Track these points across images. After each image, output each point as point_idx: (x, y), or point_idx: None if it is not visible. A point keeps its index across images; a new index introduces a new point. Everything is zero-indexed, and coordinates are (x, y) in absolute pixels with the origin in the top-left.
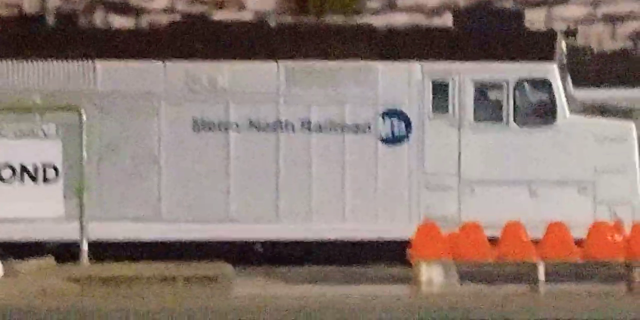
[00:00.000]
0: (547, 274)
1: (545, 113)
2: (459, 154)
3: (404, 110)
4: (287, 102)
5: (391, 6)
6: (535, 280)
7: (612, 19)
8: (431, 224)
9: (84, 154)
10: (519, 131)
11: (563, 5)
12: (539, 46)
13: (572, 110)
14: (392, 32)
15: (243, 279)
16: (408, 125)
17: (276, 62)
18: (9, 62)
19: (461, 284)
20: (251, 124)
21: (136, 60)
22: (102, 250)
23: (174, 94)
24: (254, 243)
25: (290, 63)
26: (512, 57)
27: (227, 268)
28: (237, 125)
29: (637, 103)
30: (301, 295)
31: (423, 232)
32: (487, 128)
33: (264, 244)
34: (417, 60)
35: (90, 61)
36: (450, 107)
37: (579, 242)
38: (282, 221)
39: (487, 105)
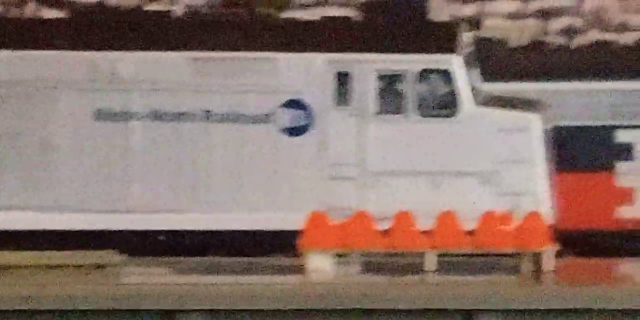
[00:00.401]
0: (438, 264)
1: (448, 104)
2: (362, 145)
3: (306, 100)
4: (189, 92)
5: (322, 1)
6: (425, 270)
7: (543, 14)
8: (321, 214)
9: None
10: (422, 122)
11: (494, 1)
12: (442, 37)
13: (476, 102)
14: (294, 24)
15: (133, 267)
16: (310, 115)
17: (179, 52)
18: None
19: (359, 274)
20: (153, 114)
21: (37, 50)
22: (1, 240)
23: (75, 83)
24: (156, 233)
25: (193, 53)
26: (414, 49)
27: (116, 257)
28: (139, 115)
29: (550, 96)
30: (185, 284)
31: (312, 221)
32: (390, 119)
33: (166, 234)
34: (319, 51)
35: None
36: (353, 98)
37: (471, 232)
38: (184, 211)
39: (390, 97)
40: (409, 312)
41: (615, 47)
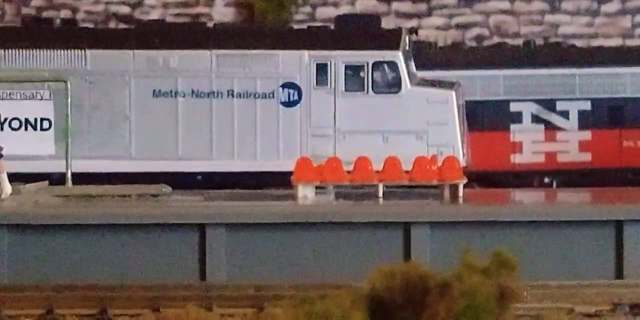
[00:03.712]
0: (384, 192)
1: (394, 85)
2: (335, 113)
3: (297, 83)
4: (217, 77)
5: (311, 18)
6: (377, 197)
7: (462, 27)
8: (306, 159)
9: (69, 112)
10: (376, 97)
11: (428, 17)
12: (390, 39)
13: (412, 83)
14: (290, 31)
15: (177, 196)
16: (299, 93)
17: (210, 50)
18: (31, 50)
19: (334, 200)
20: (193, 93)
21: (114, 49)
22: (88, 180)
23: (139, 72)
24: (195, 174)
25: (219, 51)
26: (371, 47)
27: (167, 188)
28: (183, 94)
29: (465, 80)
30: (212, 206)
31: (300, 164)
32: (354, 95)
33: (202, 174)
34: (306, 49)
35: (83, 50)
36: (328, 81)
37: (408, 171)
38: (215, 159)
39: (353, 80)
40: (366, 224)
41: (509, 47)
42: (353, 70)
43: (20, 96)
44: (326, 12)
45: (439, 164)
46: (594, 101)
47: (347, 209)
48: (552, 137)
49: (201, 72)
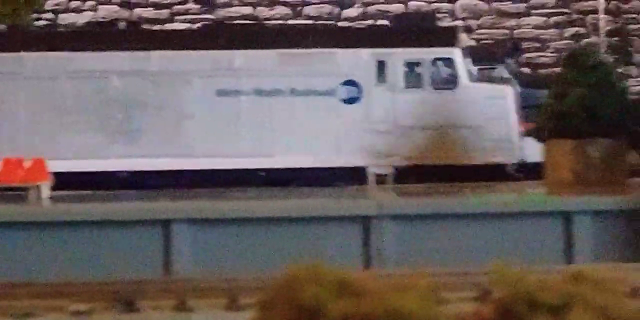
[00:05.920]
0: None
1: (451, 81)
2: (394, 109)
3: (357, 80)
4: (279, 76)
5: (54, 24)
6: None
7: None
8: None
9: None
10: (434, 93)
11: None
12: (447, 36)
13: (470, 79)
14: (350, 29)
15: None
16: (360, 90)
17: (272, 50)
18: (97, 52)
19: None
20: (255, 91)
21: (177, 50)
22: (152, 178)
23: (203, 72)
24: (258, 170)
25: (281, 51)
26: (429, 44)
27: None
28: (246, 92)
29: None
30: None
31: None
32: (413, 91)
33: (264, 171)
34: (366, 47)
35: (147, 51)
36: (388, 78)
37: None
38: (277, 155)
39: (412, 76)
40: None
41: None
42: (412, 67)
43: None
44: (68, 18)
45: (27, 166)
46: None
47: None
48: None
49: (264, 71)
